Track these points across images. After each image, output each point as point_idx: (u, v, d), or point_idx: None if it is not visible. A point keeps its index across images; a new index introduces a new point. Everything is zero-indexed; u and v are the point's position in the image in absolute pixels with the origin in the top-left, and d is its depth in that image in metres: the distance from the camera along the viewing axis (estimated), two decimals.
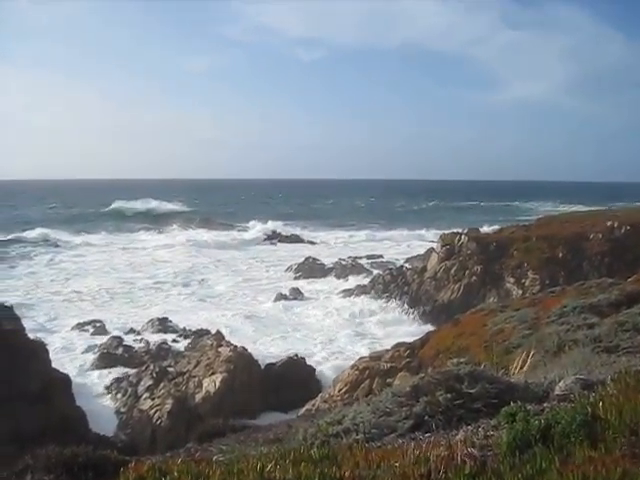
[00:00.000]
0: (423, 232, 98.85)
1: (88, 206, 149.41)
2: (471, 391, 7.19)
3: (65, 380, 29.35)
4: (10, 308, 30.03)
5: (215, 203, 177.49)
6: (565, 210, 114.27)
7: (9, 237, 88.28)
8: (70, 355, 37.71)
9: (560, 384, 7.29)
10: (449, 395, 7.13)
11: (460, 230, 54.65)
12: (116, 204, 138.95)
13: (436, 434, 6.21)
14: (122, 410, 30.93)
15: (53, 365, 30.10)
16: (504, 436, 4.82)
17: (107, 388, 33.29)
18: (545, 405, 6.31)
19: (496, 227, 68.82)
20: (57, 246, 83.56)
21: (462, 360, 8.67)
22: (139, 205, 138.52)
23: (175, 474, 4.86)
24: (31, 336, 30.75)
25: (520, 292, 42.99)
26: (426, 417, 6.85)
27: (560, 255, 45.89)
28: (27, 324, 33.00)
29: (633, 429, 4.51)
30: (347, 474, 4.43)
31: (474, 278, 46.99)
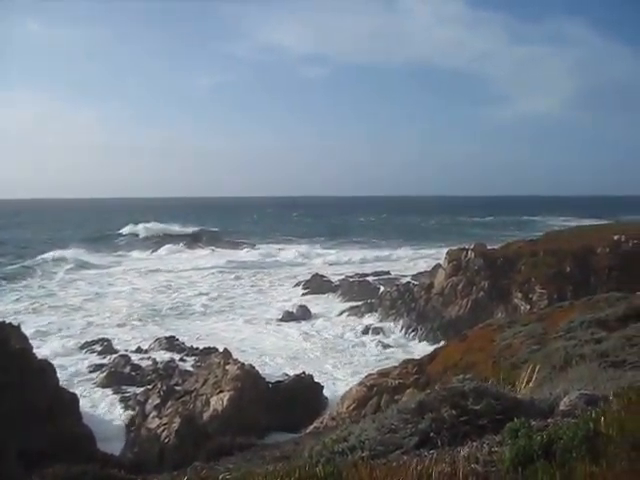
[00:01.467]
0: (431, 248, 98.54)
1: (102, 227, 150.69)
2: (476, 407, 7.19)
3: (72, 399, 29.36)
4: (18, 327, 30.11)
5: (225, 223, 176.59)
6: (572, 224, 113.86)
7: (26, 261, 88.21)
8: (77, 374, 37.80)
9: (565, 399, 7.29)
10: (454, 411, 7.13)
11: (467, 246, 54.48)
12: (128, 227, 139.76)
13: (441, 450, 6.21)
14: (130, 429, 30.93)
15: (61, 384, 30.15)
16: (507, 452, 4.83)
17: (114, 407, 33.33)
18: (549, 421, 6.31)
19: (502, 242, 68.65)
20: (69, 266, 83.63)
21: (467, 376, 8.68)
22: (150, 227, 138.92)
23: None
24: (39, 355, 30.85)
25: (528, 307, 42.88)
26: (431, 434, 6.85)
27: (568, 269, 45.79)
28: (35, 343, 33.14)
29: (635, 444, 4.52)
30: None
31: (482, 294, 46.93)
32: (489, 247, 56.99)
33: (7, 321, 30.84)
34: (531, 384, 11.05)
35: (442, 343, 35.85)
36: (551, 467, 4.43)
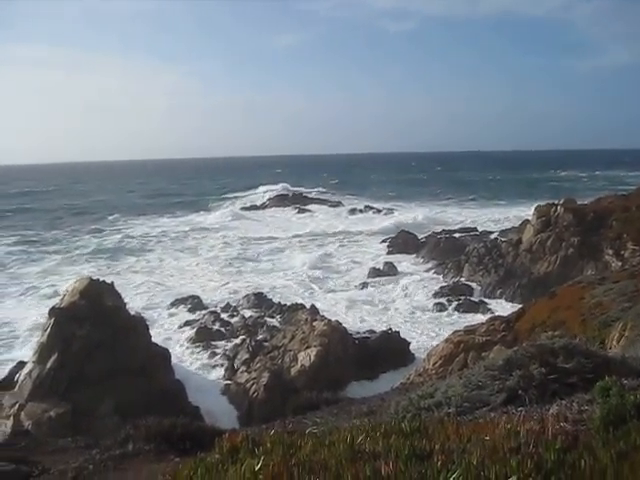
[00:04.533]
0: (519, 204, 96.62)
1: (203, 190, 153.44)
2: (566, 365, 7.07)
3: (164, 354, 30.20)
4: (111, 285, 30.95)
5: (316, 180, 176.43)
6: None
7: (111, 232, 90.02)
8: (169, 330, 38.77)
9: None
10: (543, 369, 7.04)
11: (556, 201, 53.09)
12: (262, 188, 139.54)
13: (529, 408, 6.15)
14: (220, 383, 31.61)
15: (153, 340, 30.99)
16: (597, 411, 4.74)
17: (205, 362, 34.09)
18: None
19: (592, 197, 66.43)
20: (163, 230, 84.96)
21: (556, 333, 8.53)
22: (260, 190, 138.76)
23: (268, 445, 4.96)
24: (132, 312, 31.73)
25: (619, 264, 41.59)
26: (519, 391, 6.78)
27: None
28: (129, 300, 34.04)
29: None
30: (437, 447, 4.44)
31: (571, 250, 45.87)
32: (579, 202, 55.45)
33: (101, 279, 31.79)
34: (622, 343, 10.81)
35: (530, 300, 35.30)
36: None
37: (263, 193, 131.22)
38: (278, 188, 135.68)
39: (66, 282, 40.55)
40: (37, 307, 41.69)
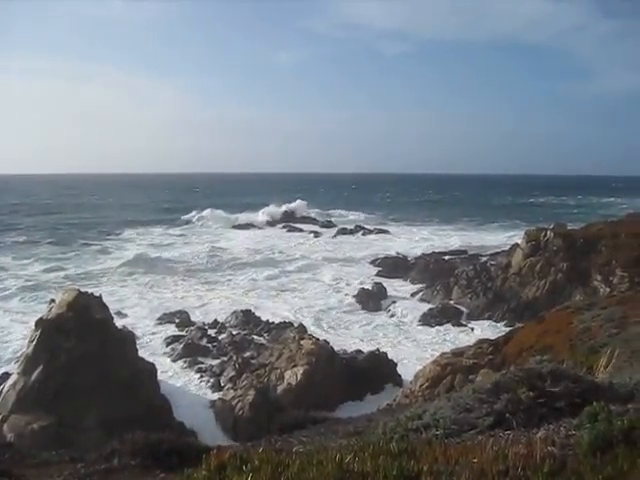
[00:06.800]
0: (511, 227, 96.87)
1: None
2: (554, 390, 7.09)
3: (151, 369, 30.04)
4: (99, 297, 30.83)
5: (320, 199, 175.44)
6: None
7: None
8: (156, 345, 38.61)
9: None
10: (531, 393, 7.06)
11: (546, 226, 53.32)
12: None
13: (516, 432, 6.16)
14: (205, 399, 31.48)
15: (140, 354, 30.86)
16: (585, 436, 4.75)
17: (190, 378, 33.97)
18: (629, 406, 6.18)
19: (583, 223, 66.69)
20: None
21: (545, 358, 8.55)
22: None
23: (256, 463, 4.95)
24: (119, 325, 31.61)
25: (608, 290, 41.74)
26: (507, 414, 6.79)
27: None
28: (121, 312, 33.89)
29: None
30: (425, 468, 4.44)
31: (560, 275, 46.01)
32: (569, 228, 55.67)
33: (89, 291, 31.69)
34: (609, 368, 10.83)
35: (518, 324, 35.36)
36: (632, 453, 4.34)
37: (261, 213, 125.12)
38: (285, 207, 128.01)
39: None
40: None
